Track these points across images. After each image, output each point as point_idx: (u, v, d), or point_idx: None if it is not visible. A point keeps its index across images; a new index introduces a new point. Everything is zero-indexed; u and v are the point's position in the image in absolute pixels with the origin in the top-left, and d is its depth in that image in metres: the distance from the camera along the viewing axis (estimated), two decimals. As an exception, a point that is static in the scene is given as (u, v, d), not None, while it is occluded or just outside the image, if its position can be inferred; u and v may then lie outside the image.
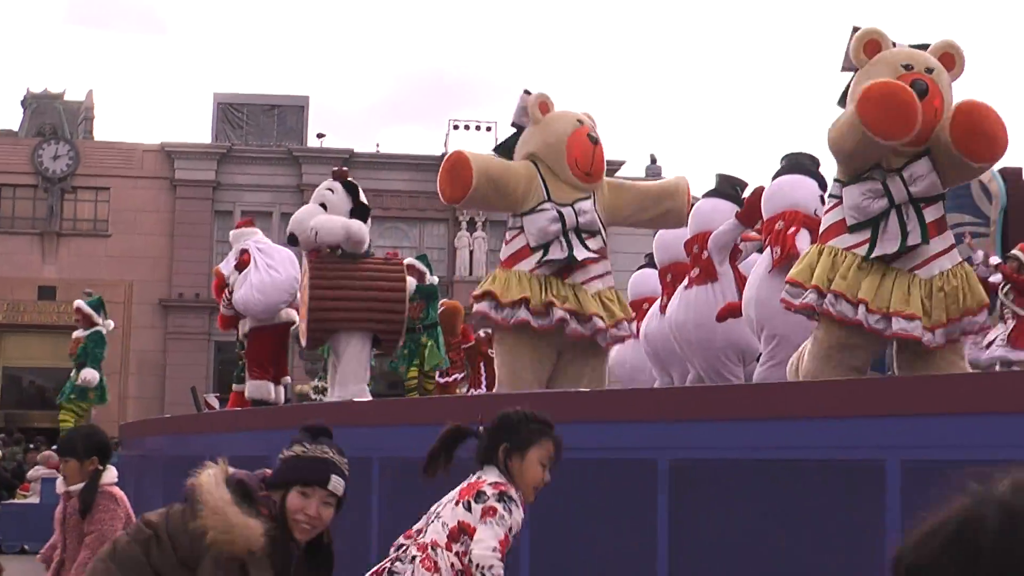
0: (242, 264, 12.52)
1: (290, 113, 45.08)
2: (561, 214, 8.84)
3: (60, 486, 7.48)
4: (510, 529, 4.57)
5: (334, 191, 11.16)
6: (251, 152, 42.89)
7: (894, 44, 7.50)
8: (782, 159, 9.95)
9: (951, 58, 7.50)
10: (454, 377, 17.05)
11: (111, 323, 19.08)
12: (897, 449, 5.35)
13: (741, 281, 9.67)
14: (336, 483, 4.65)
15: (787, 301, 7.44)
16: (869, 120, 6.92)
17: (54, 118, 43.88)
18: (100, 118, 49.20)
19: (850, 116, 7.09)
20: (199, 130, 67.34)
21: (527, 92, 9.34)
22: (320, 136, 44.33)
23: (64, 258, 40.90)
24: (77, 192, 41.95)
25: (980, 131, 7.15)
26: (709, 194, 10.37)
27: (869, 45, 7.42)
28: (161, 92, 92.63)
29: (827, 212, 7.64)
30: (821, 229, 7.65)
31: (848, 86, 7.56)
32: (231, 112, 44.64)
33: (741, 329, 9.39)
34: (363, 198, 11.33)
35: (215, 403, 16.99)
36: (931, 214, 7.30)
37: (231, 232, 14.09)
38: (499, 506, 4.61)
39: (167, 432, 14.16)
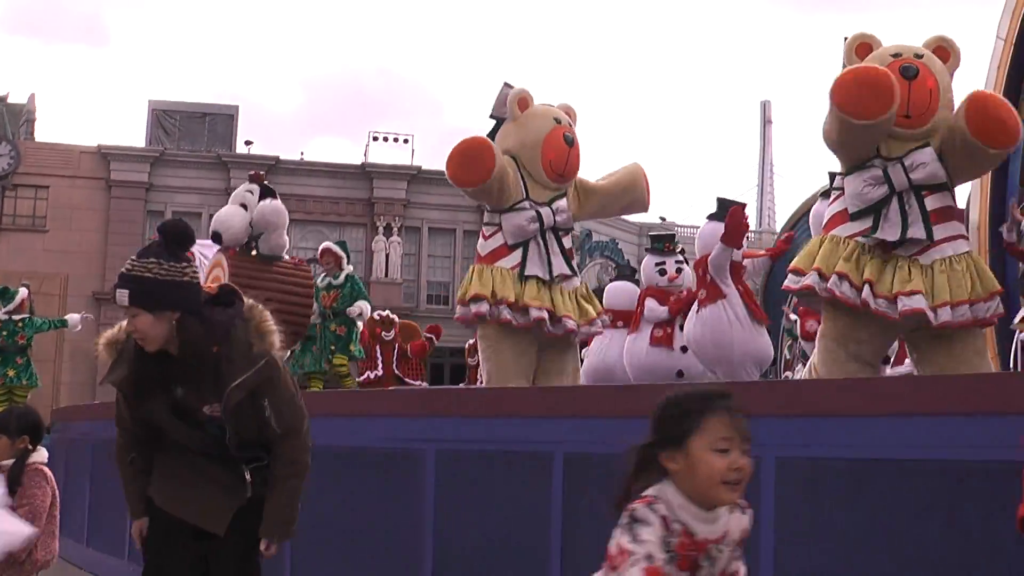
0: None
1: (220, 121, 44.73)
2: (539, 213, 8.48)
3: None
4: (648, 557, 3.16)
5: (253, 192, 10.96)
6: (183, 156, 42.51)
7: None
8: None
9: (944, 51, 7.12)
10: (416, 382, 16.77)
11: None
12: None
13: (748, 295, 9.64)
14: (119, 297, 4.58)
15: (788, 287, 7.04)
16: (843, 103, 6.55)
17: (-3, 119, 43.20)
18: (41, 120, 48.53)
19: (830, 106, 6.67)
20: (134, 134, 66.75)
21: (507, 85, 8.93)
22: (248, 143, 43.99)
23: (3, 251, 40.25)
24: (18, 190, 41.32)
25: (995, 117, 6.72)
26: (711, 217, 10.11)
27: (860, 48, 7.08)
28: (99, 98, 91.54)
29: (830, 204, 7.25)
30: (824, 221, 7.19)
31: None
32: (165, 118, 44.23)
33: (755, 340, 9.36)
34: (279, 201, 11.14)
35: None
36: (933, 203, 6.79)
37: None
38: (623, 539, 3.20)
39: (96, 418, 13.93)
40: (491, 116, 8.92)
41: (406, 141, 44.27)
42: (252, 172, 11.98)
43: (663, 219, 47.72)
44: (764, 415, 5.46)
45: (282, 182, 40.96)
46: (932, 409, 4.65)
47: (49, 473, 7.13)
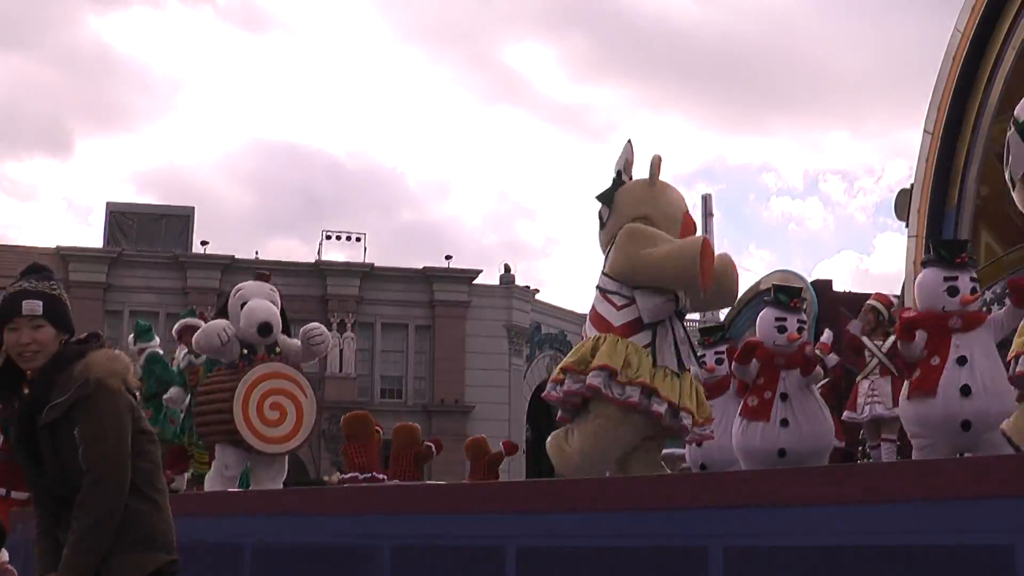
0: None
1: (177, 222, 44.62)
2: (675, 294, 7.74)
3: None
4: None
5: (274, 290, 11.53)
6: (140, 257, 42.35)
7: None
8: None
9: None
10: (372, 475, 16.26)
11: None
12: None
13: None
14: (29, 306, 4.48)
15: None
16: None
17: (-43, 223, 42.97)
18: (1, 223, 48.29)
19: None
20: (92, 236, 66.33)
21: (631, 144, 8.13)
22: (204, 243, 43.85)
23: (-38, 353, 39.83)
24: (-24, 291, 41.02)
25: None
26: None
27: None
28: (59, 201, 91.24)
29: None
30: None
31: None
32: (122, 220, 44.09)
33: None
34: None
35: None
36: None
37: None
38: None
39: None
40: (617, 174, 8.08)
41: (358, 239, 44.53)
42: (261, 272, 12.28)
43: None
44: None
45: (238, 281, 40.65)
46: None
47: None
